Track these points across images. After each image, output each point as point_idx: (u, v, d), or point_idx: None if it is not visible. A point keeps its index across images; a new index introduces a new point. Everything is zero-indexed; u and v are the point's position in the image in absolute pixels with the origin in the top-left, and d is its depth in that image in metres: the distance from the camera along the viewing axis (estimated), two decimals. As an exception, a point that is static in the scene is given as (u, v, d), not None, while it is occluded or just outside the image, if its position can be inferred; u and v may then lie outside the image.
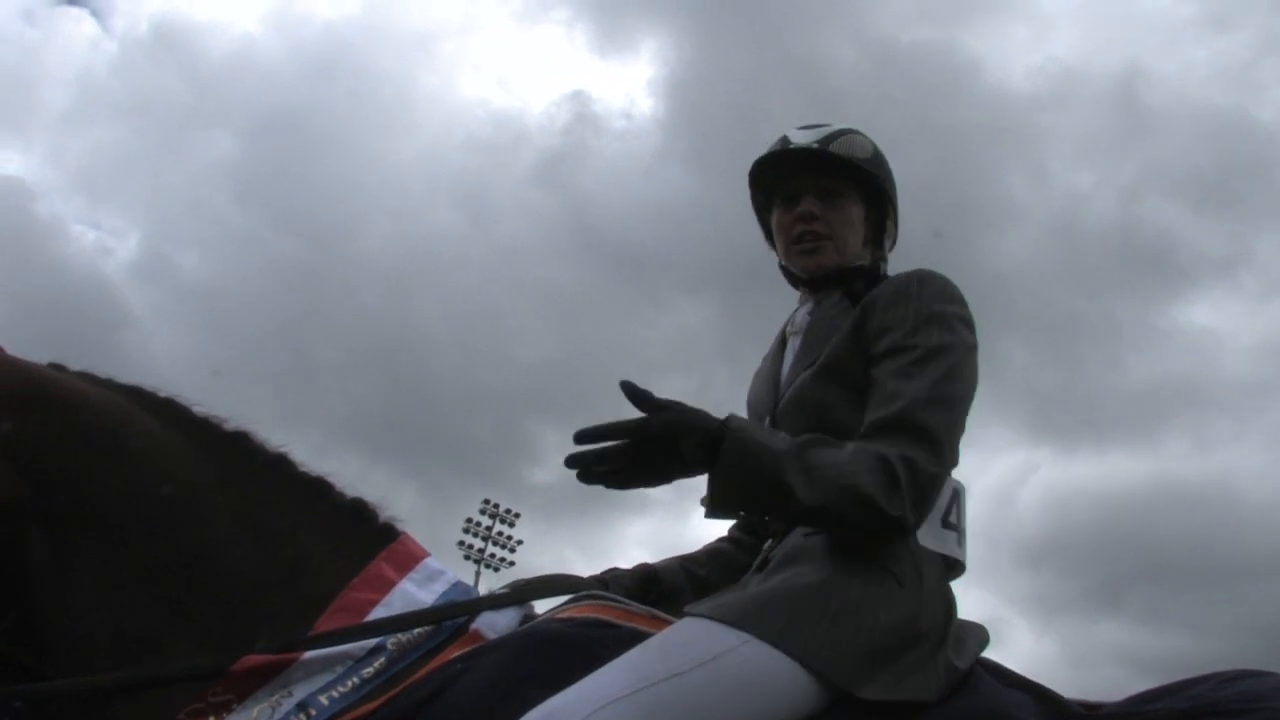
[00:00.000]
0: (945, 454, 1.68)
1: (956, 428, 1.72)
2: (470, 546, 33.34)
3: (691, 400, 1.59)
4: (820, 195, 2.00)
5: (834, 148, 2.00)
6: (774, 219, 2.08)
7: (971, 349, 1.80)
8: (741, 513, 1.58)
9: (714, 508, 1.60)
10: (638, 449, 1.53)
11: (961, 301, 1.83)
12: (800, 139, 2.03)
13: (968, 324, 1.81)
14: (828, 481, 1.57)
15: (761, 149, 2.11)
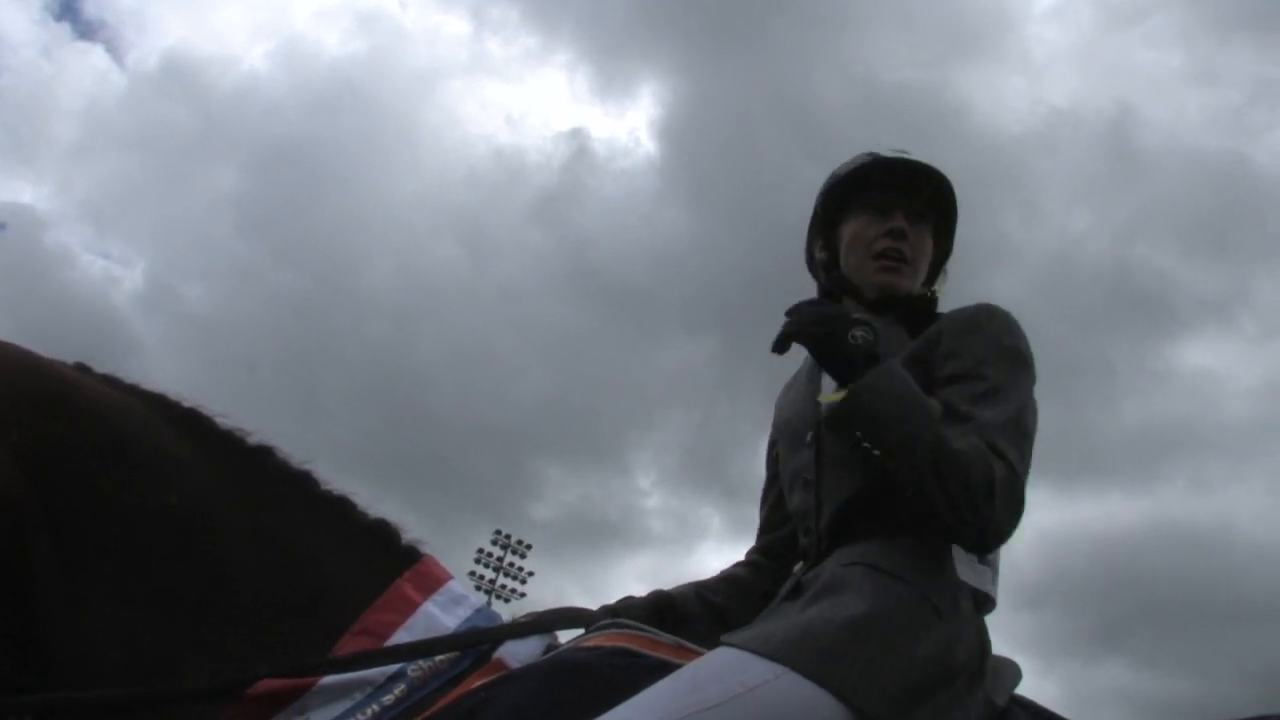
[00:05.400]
0: (1023, 478, 1.65)
1: (1029, 456, 1.69)
2: (481, 577, 33.52)
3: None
4: (910, 217, 1.95)
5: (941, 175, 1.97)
6: (849, 229, 1.98)
7: (1033, 384, 1.78)
8: (855, 435, 1.61)
9: (835, 421, 1.63)
10: (819, 315, 1.66)
11: (1025, 339, 1.81)
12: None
13: (1031, 360, 1.80)
14: (951, 461, 1.57)
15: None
